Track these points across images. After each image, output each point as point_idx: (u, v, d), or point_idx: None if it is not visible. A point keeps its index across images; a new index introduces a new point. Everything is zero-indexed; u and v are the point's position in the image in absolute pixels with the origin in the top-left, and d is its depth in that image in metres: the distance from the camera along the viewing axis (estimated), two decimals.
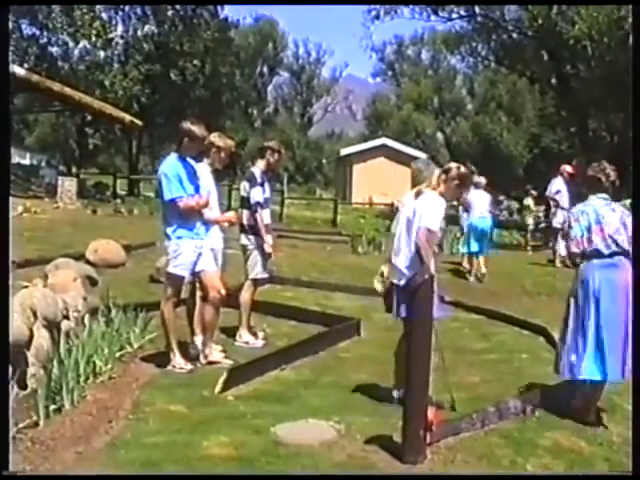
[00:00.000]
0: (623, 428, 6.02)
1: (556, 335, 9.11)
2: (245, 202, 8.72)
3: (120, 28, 41.70)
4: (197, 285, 7.85)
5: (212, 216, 7.85)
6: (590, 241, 6.37)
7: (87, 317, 7.71)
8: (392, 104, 77.04)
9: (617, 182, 6.62)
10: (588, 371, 6.29)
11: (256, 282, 8.84)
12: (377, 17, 35.19)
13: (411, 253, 6.21)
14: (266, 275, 8.94)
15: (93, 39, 37.25)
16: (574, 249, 6.47)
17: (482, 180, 15.40)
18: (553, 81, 36.61)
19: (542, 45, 33.23)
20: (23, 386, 5.82)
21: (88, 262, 11.91)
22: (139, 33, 42.11)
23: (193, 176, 7.40)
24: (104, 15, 39.44)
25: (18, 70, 27.63)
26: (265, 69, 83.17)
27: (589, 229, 6.39)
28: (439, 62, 77.03)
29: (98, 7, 38.38)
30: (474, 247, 15.21)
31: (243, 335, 8.68)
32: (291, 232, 21.78)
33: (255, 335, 8.82)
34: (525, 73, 41.85)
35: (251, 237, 8.66)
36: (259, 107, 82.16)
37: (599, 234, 6.36)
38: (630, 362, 6.09)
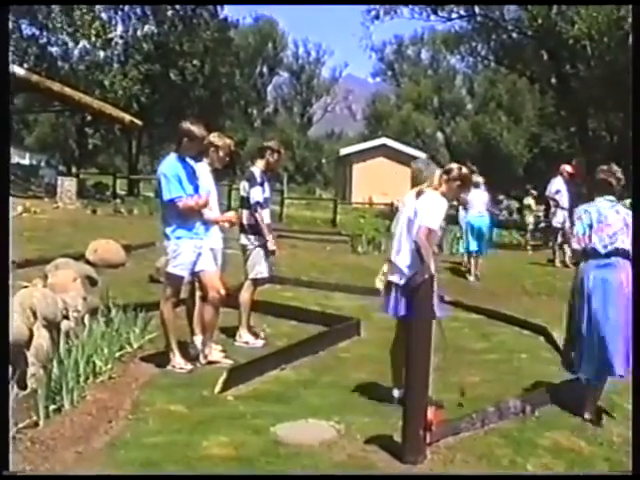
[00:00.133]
0: (623, 428, 6.03)
1: (556, 335, 9.19)
2: (245, 202, 8.72)
3: (120, 28, 41.79)
4: (196, 285, 7.85)
5: (212, 216, 7.85)
6: (590, 239, 6.43)
7: (87, 317, 7.71)
8: (392, 104, 77.09)
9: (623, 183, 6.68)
10: (583, 369, 6.40)
11: (256, 282, 8.83)
12: (377, 17, 35.19)
13: (412, 252, 6.22)
14: (266, 275, 8.93)
15: (93, 39, 37.25)
16: (575, 245, 6.58)
17: (480, 179, 15.43)
18: (553, 81, 36.60)
19: (542, 45, 33.22)
20: (23, 386, 5.82)
21: (88, 262, 11.90)
22: (139, 33, 42.12)
23: (192, 176, 7.39)
24: (104, 15, 39.45)
25: (18, 70, 27.63)
26: (265, 69, 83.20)
27: (590, 227, 6.45)
28: (439, 62, 77.08)
29: (98, 7, 38.38)
30: (472, 246, 15.24)
31: (243, 335, 8.68)
32: (291, 232, 21.78)
33: (255, 335, 8.81)
34: (525, 73, 41.84)
35: (251, 237, 8.66)
36: (259, 107, 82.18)
37: (598, 233, 6.41)
38: (629, 362, 6.15)
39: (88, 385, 6.45)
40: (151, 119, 37.88)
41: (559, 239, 17.68)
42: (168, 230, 7.27)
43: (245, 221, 8.65)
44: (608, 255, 6.36)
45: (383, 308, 6.59)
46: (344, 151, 50.02)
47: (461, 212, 16.04)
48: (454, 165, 6.74)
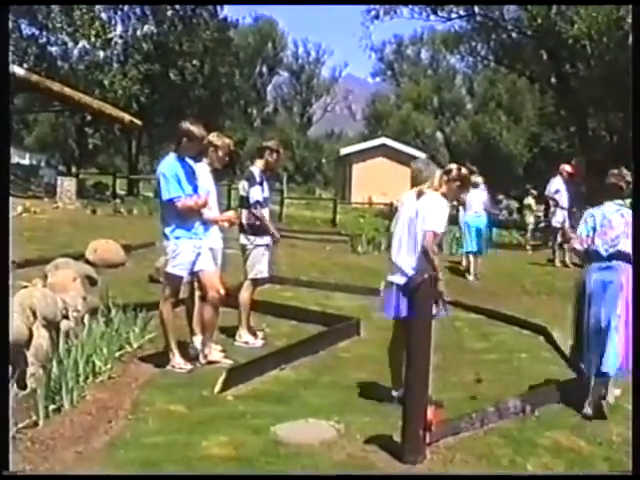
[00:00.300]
0: (623, 428, 6.03)
1: (556, 334, 9.23)
2: (244, 201, 8.73)
3: (119, 28, 41.74)
4: (196, 285, 7.85)
5: (211, 216, 7.86)
6: (593, 242, 6.57)
7: (86, 317, 7.71)
8: (391, 104, 77.04)
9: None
10: (585, 367, 6.59)
11: (255, 282, 8.84)
12: (376, 17, 35.15)
13: (415, 253, 6.23)
14: (266, 275, 8.93)
15: (92, 39, 37.23)
16: (577, 246, 6.73)
17: (480, 180, 15.46)
18: (553, 80, 36.58)
19: (541, 44, 33.20)
20: (22, 386, 5.82)
21: (88, 262, 11.90)
22: (138, 33, 42.08)
23: (191, 176, 7.39)
24: (103, 15, 39.41)
25: (18, 70, 27.61)
26: (264, 69, 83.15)
27: (594, 230, 6.59)
28: (438, 62, 77.00)
29: (97, 7, 38.34)
30: (471, 246, 15.27)
31: (243, 335, 8.68)
32: (290, 232, 21.76)
33: (255, 335, 8.81)
34: (524, 72, 41.80)
35: (250, 237, 8.66)
36: (258, 107, 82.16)
37: (602, 237, 6.54)
38: (629, 362, 6.22)
39: (88, 385, 6.45)
40: (151, 119, 37.87)
41: (559, 239, 17.68)
42: (167, 230, 7.27)
43: (244, 221, 8.65)
44: (610, 258, 6.48)
45: (383, 309, 6.59)
46: (344, 151, 49.99)
47: (461, 212, 16.06)
48: (453, 166, 6.77)
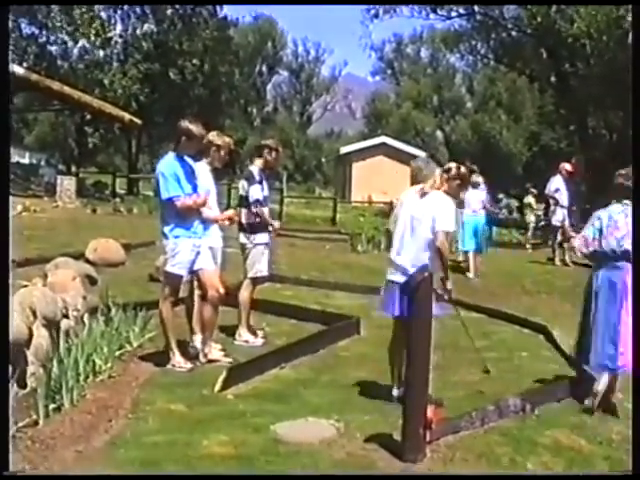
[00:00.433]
0: (623, 426, 6.02)
1: (556, 333, 9.24)
2: (244, 201, 8.73)
3: (119, 27, 41.80)
4: (196, 284, 7.84)
5: (211, 215, 7.85)
6: (600, 243, 6.66)
7: (86, 316, 7.71)
8: (391, 102, 77.07)
9: None
10: (590, 362, 6.75)
11: (255, 281, 8.84)
12: (376, 16, 35.15)
13: (417, 251, 6.23)
14: (265, 273, 8.93)
15: (92, 38, 37.27)
16: (583, 249, 6.83)
17: (480, 179, 15.48)
18: (552, 79, 36.58)
19: (541, 43, 33.19)
20: (23, 385, 5.82)
21: (87, 261, 11.90)
22: (138, 32, 42.10)
23: (191, 175, 7.39)
24: (103, 14, 39.42)
25: (17, 69, 27.61)
26: (264, 68, 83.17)
27: (600, 231, 6.68)
28: (438, 60, 77.03)
29: (97, 6, 38.36)
30: (469, 245, 15.28)
31: (243, 334, 8.68)
32: (290, 231, 21.76)
33: (255, 334, 8.81)
34: (524, 71, 41.82)
35: (250, 236, 8.66)
36: (258, 106, 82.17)
37: (608, 238, 6.63)
38: (629, 360, 6.27)
39: (88, 384, 6.45)
40: (150, 118, 37.87)
41: (558, 237, 17.67)
42: (166, 229, 7.27)
43: (244, 220, 8.65)
44: (616, 259, 6.58)
45: (383, 308, 6.59)
46: (344, 150, 49.98)
47: (457, 211, 16.06)
48: (453, 164, 6.80)
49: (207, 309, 7.51)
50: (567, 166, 18.10)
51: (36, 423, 5.45)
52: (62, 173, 31.51)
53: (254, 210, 8.62)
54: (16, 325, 5.67)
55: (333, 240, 21.11)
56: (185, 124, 7.36)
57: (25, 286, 7.03)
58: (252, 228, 8.64)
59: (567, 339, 8.72)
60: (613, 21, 26.73)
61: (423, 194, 6.47)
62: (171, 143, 7.63)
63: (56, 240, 14.89)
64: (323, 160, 76.66)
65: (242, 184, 8.82)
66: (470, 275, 15.00)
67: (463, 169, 6.71)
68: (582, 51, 29.88)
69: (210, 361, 7.55)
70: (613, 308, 6.53)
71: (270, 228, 8.83)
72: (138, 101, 38.83)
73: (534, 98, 52.89)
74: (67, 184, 27.39)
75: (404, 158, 46.88)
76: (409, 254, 6.30)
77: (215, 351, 7.75)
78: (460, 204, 13.84)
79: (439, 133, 73.93)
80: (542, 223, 24.63)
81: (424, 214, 6.32)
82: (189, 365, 7.35)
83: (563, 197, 17.56)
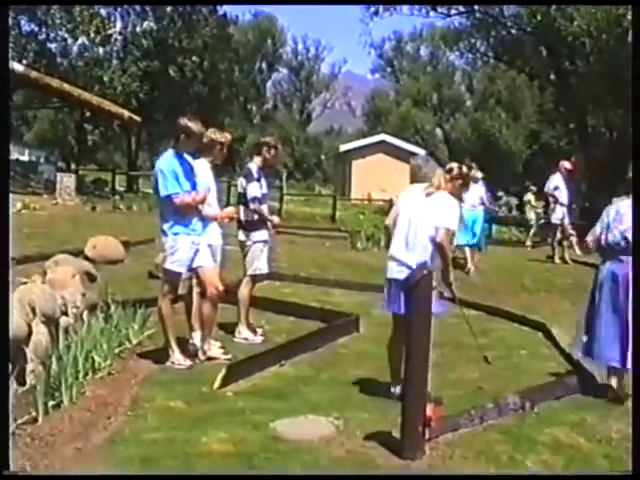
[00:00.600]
0: (623, 425, 6.02)
1: (555, 331, 9.25)
2: (242, 198, 8.73)
3: (119, 24, 41.68)
4: (195, 281, 7.84)
5: (211, 212, 7.85)
6: (606, 237, 6.85)
7: (86, 313, 7.72)
8: (391, 100, 76.91)
9: None
10: (592, 353, 6.99)
11: (254, 278, 8.84)
12: (376, 13, 35.06)
13: (423, 250, 6.23)
14: (265, 271, 8.93)
15: (92, 35, 37.23)
16: (591, 243, 7.17)
17: (478, 174, 15.45)
18: (552, 77, 36.51)
19: (541, 41, 33.13)
20: (22, 382, 5.82)
21: (87, 258, 11.90)
22: (138, 29, 42.03)
23: (190, 172, 7.38)
24: (103, 11, 39.33)
25: (17, 66, 27.56)
26: (264, 65, 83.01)
27: (608, 226, 6.87)
28: (438, 58, 76.85)
29: None
30: (464, 238, 15.22)
31: (242, 331, 8.68)
32: (290, 228, 21.77)
33: (254, 331, 8.82)
34: (524, 69, 41.74)
35: (248, 233, 8.67)
36: (258, 103, 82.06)
37: (613, 231, 6.80)
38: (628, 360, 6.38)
39: (87, 381, 6.46)
40: (150, 115, 37.81)
41: (558, 235, 17.69)
42: (165, 226, 7.28)
43: (243, 217, 8.65)
44: (620, 252, 6.72)
45: (387, 306, 6.58)
46: (343, 147, 49.89)
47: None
48: (454, 164, 6.85)
49: (206, 306, 7.51)
50: (567, 164, 18.10)
51: (35, 420, 5.46)
52: (62, 170, 31.45)
53: (252, 207, 8.62)
54: (15, 322, 5.67)
55: (333, 238, 21.10)
56: (184, 122, 7.36)
57: (24, 283, 7.04)
58: (251, 225, 8.65)
59: (566, 337, 8.74)
60: (613, 19, 26.68)
61: (428, 194, 6.49)
62: (171, 140, 7.63)
63: (55, 237, 14.88)
64: (323, 158, 76.57)
65: (241, 182, 8.83)
66: (469, 265, 14.90)
67: (465, 169, 6.79)
68: (582, 49, 29.82)
69: (209, 358, 7.56)
70: (616, 301, 6.66)
71: (269, 225, 8.83)
72: (138, 98, 38.77)
73: (534, 96, 52.83)
74: (67, 181, 27.33)
75: (404, 156, 46.85)
76: (414, 252, 6.29)
77: (214, 348, 7.76)
78: (459, 200, 13.83)
79: (439, 131, 73.80)
80: (542, 221, 24.65)
81: (429, 213, 6.35)
82: (188, 362, 7.35)
83: (563, 195, 17.57)
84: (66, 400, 5.90)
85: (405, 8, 34.96)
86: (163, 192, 7.22)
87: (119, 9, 41.34)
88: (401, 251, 6.42)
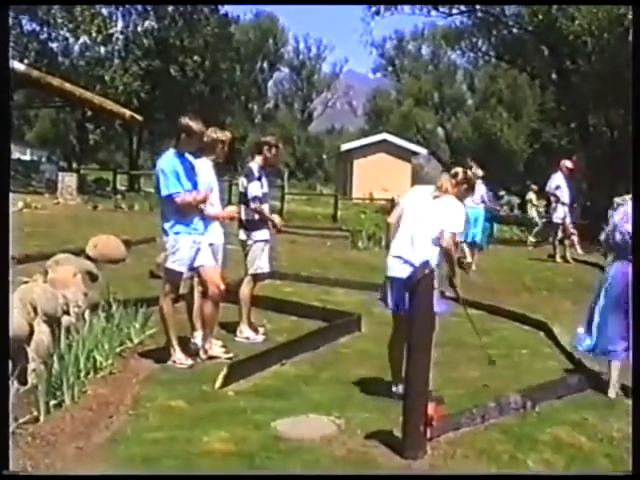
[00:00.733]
0: (624, 424, 6.01)
1: (556, 330, 9.25)
2: (243, 197, 8.74)
3: (120, 24, 41.70)
4: (196, 280, 7.85)
5: (213, 212, 7.86)
6: (614, 237, 6.95)
7: (87, 312, 7.71)
8: (392, 99, 76.85)
9: None
10: (597, 348, 7.11)
11: (256, 277, 8.84)
12: (377, 13, 35.01)
13: (427, 251, 6.23)
14: (266, 270, 8.93)
15: (93, 35, 37.25)
16: (604, 243, 7.45)
17: (479, 172, 15.42)
18: (553, 76, 36.47)
19: (542, 40, 33.10)
20: (23, 381, 5.83)
21: (88, 257, 11.91)
22: (139, 29, 42.03)
23: (191, 172, 7.38)
24: (104, 11, 39.35)
25: (18, 66, 27.60)
26: (265, 64, 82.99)
27: (615, 226, 6.97)
28: (439, 57, 76.77)
29: None
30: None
31: (244, 330, 8.69)
32: (291, 227, 21.78)
33: (255, 330, 8.82)
34: (525, 68, 41.71)
35: (249, 232, 8.67)
36: (259, 103, 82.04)
37: (620, 229, 6.88)
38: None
39: (89, 380, 6.46)
40: (151, 115, 37.81)
41: (559, 234, 17.70)
42: (166, 226, 7.28)
43: (243, 217, 8.65)
44: (626, 250, 6.76)
45: (385, 304, 6.59)
46: (345, 147, 49.91)
47: None
48: (459, 169, 6.93)
49: (208, 306, 7.51)
50: (568, 163, 18.11)
51: (37, 419, 5.46)
52: (63, 170, 31.47)
53: (253, 207, 8.62)
54: (17, 321, 5.68)
55: (334, 237, 21.12)
56: (185, 121, 7.36)
57: (26, 282, 7.04)
58: (252, 225, 8.65)
59: (567, 336, 8.74)
60: (614, 18, 26.65)
61: (436, 197, 6.53)
62: (172, 140, 7.63)
63: (57, 237, 14.89)
64: (324, 157, 76.59)
65: (242, 181, 8.84)
66: (468, 259, 14.83)
67: (469, 173, 6.89)
68: (583, 48, 29.78)
69: (211, 358, 7.56)
70: (622, 298, 6.71)
71: (271, 224, 8.84)
72: (139, 98, 38.79)
73: (535, 95, 52.75)
74: (68, 181, 27.35)
75: (405, 155, 46.87)
76: (418, 252, 6.29)
77: (216, 347, 7.76)
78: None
79: (440, 130, 73.75)
80: (543, 220, 24.67)
81: (436, 215, 6.41)
82: (190, 362, 7.35)
83: (564, 194, 17.58)
84: (67, 399, 5.90)
85: (406, 7, 34.91)
86: (164, 191, 7.22)
87: (120, 8, 41.35)
88: (405, 250, 6.42)
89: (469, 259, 14.97)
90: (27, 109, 49.43)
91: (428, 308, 5.39)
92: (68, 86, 29.04)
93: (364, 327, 9.40)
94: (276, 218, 9.07)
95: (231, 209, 8.53)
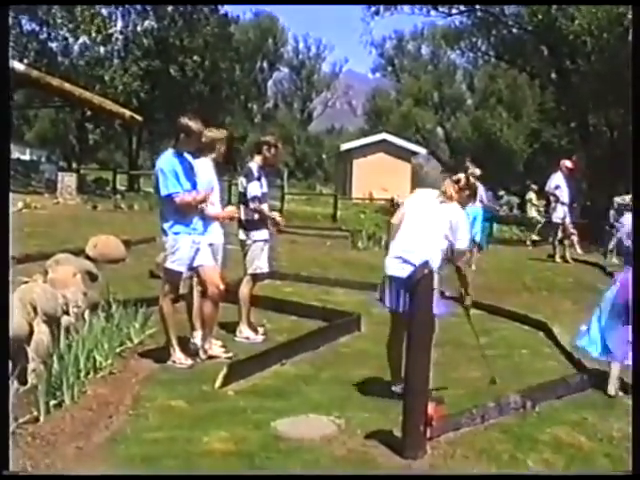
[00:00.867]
0: (623, 424, 6.02)
1: (556, 330, 9.25)
2: (243, 197, 8.74)
3: (120, 23, 41.70)
4: (196, 280, 7.85)
5: (213, 211, 7.86)
6: (626, 242, 7.23)
7: (87, 312, 7.72)
8: (392, 99, 76.83)
9: None
10: (588, 345, 7.23)
11: (255, 277, 8.84)
12: (377, 13, 35.05)
13: (429, 254, 6.22)
14: (265, 270, 8.92)
15: (93, 35, 37.27)
16: (615, 248, 7.49)
17: (476, 172, 15.38)
18: (553, 76, 36.50)
19: (542, 40, 33.12)
20: (23, 381, 5.83)
21: (88, 257, 11.92)
22: (139, 28, 42.02)
23: (190, 172, 7.38)
24: (104, 11, 39.36)
25: (18, 66, 27.60)
26: (265, 64, 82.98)
27: (628, 232, 7.24)
28: (439, 57, 76.76)
29: None
30: None
31: (243, 330, 8.69)
32: (291, 227, 21.77)
33: (255, 330, 8.82)
34: (525, 68, 41.73)
35: (249, 232, 8.67)
36: (259, 102, 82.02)
37: (631, 237, 6.95)
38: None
39: (88, 380, 6.46)
40: (151, 115, 37.81)
41: (559, 234, 17.69)
42: (166, 226, 7.28)
43: (243, 216, 8.65)
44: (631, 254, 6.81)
45: (383, 302, 6.60)
46: (344, 146, 49.85)
47: None
48: (461, 175, 6.97)
49: (207, 305, 7.51)
50: (568, 163, 18.11)
51: (37, 419, 5.46)
52: (63, 169, 31.51)
53: (252, 207, 8.62)
54: (17, 321, 5.68)
55: (334, 237, 21.12)
56: (184, 121, 7.36)
57: (26, 282, 7.04)
58: (251, 225, 8.65)
59: (567, 336, 8.74)
60: (614, 18, 26.67)
61: (441, 202, 6.58)
62: (171, 140, 7.63)
63: (56, 236, 14.89)
64: (324, 157, 76.59)
65: (241, 181, 8.84)
66: (472, 267, 14.81)
67: (471, 179, 6.95)
68: (583, 48, 29.80)
69: (210, 357, 7.56)
70: (628, 304, 6.73)
71: (272, 222, 8.84)
72: (139, 98, 38.78)
73: (535, 95, 52.74)
74: (68, 180, 27.36)
75: (405, 155, 46.83)
76: (420, 253, 6.28)
77: (215, 347, 7.76)
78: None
79: (440, 130, 73.74)
80: (543, 220, 24.69)
81: (441, 222, 6.48)
82: (189, 361, 7.35)
83: (564, 194, 17.57)
84: (67, 399, 5.90)
85: (406, 7, 34.94)
86: (163, 191, 7.22)
87: (120, 8, 41.35)
88: (407, 250, 6.42)
89: (467, 256, 14.91)
90: (27, 109, 49.43)
91: (428, 308, 5.39)
92: (68, 86, 29.06)
93: (364, 327, 9.40)
94: (277, 216, 9.07)
95: (231, 209, 8.53)
